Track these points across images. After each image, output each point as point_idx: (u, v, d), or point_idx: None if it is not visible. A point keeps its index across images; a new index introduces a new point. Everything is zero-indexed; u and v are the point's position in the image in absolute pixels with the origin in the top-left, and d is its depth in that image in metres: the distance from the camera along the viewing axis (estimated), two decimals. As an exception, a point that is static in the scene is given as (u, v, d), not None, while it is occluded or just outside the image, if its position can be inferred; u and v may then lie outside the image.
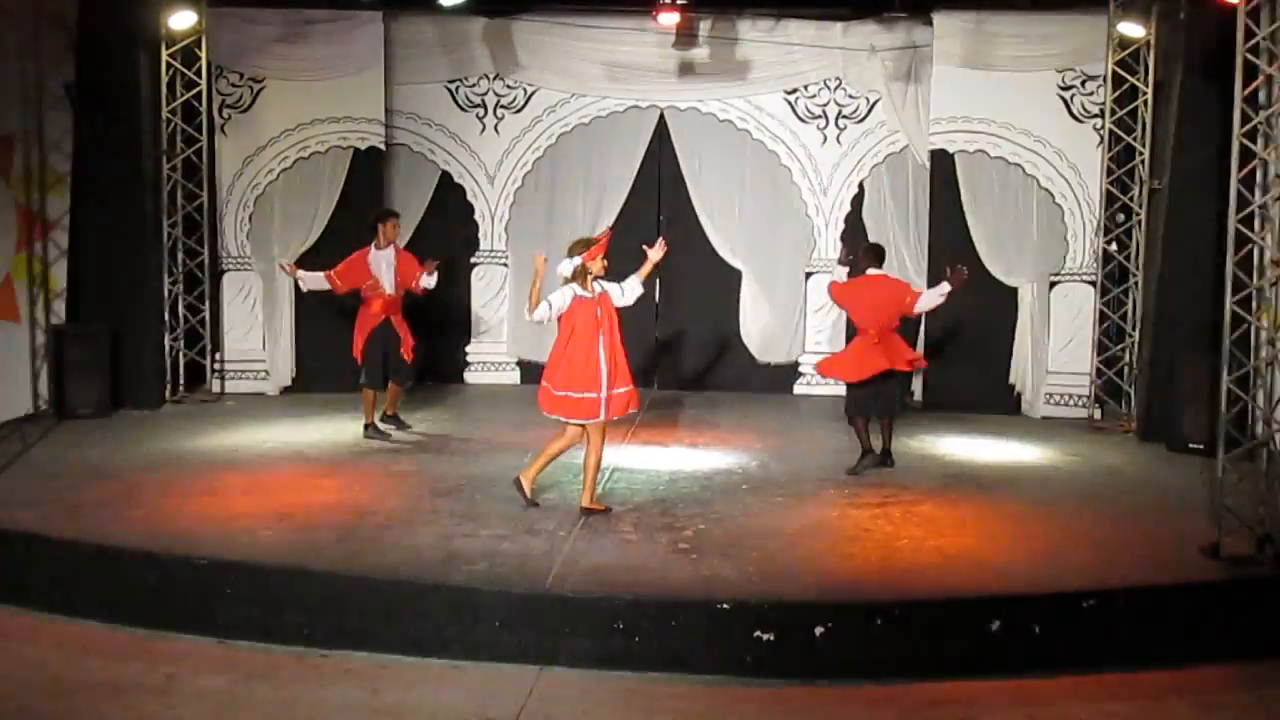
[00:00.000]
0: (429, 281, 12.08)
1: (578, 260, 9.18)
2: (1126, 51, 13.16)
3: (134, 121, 13.20)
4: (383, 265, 11.97)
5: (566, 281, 9.25)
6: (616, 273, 9.49)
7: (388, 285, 11.96)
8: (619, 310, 9.39)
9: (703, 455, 11.66)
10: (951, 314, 13.76)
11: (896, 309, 10.88)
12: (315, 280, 12.23)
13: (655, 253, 9.48)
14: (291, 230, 14.14)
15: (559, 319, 9.26)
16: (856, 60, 14.41)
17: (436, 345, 15.18)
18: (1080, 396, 13.80)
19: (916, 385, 14.42)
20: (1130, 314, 13.52)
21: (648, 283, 9.66)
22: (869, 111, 14.73)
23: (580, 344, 9.20)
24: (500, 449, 11.42)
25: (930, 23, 13.75)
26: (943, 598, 7.78)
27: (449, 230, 15.13)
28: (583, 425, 9.32)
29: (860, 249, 11.62)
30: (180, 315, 14.07)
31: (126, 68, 13.15)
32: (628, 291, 9.46)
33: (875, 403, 11.07)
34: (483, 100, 15.16)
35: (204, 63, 13.77)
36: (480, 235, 15.33)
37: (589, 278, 9.22)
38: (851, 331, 11.92)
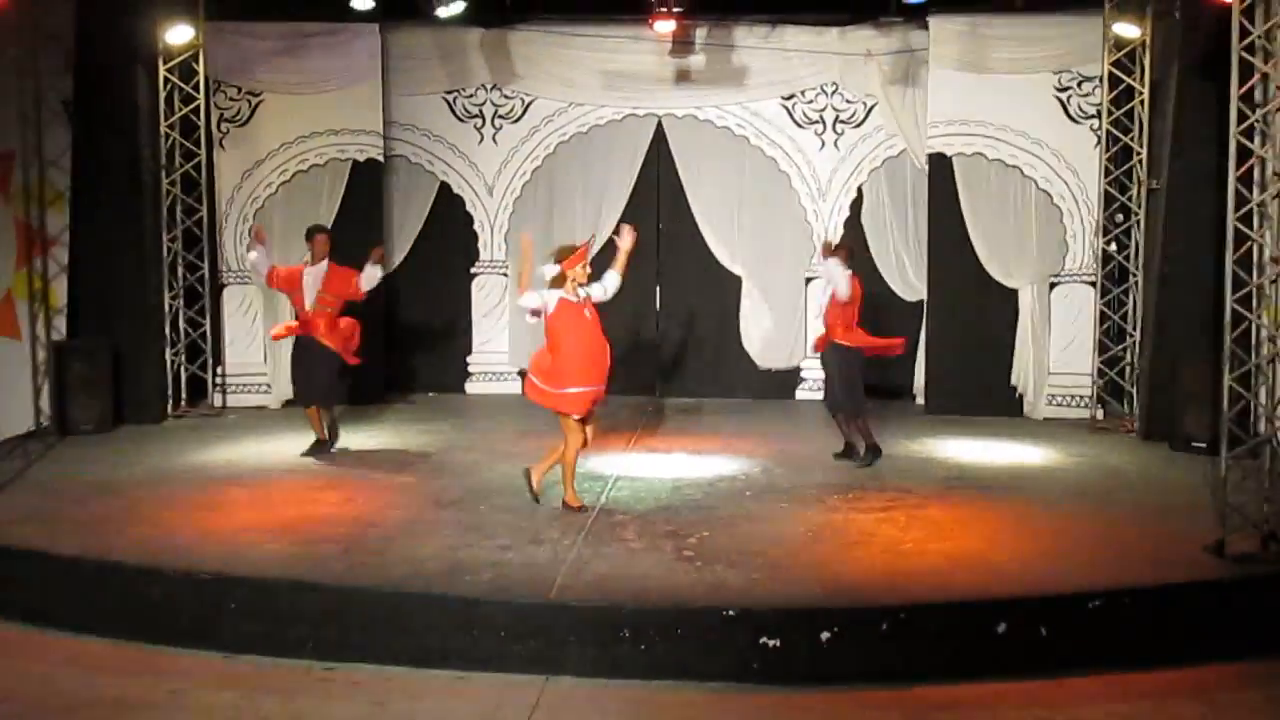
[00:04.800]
0: (373, 272, 11.69)
1: (557, 267, 9.34)
2: (1122, 52, 13.18)
3: (132, 137, 13.21)
4: (308, 281, 11.73)
5: (550, 286, 9.38)
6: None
7: (306, 301, 11.72)
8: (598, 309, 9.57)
9: (706, 462, 11.63)
10: (953, 316, 13.83)
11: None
12: (261, 260, 11.94)
13: (625, 242, 9.60)
14: (291, 243, 14.08)
15: (546, 320, 9.39)
16: (853, 65, 14.40)
17: (437, 356, 15.28)
18: (1082, 397, 13.80)
19: (919, 388, 14.44)
20: (1131, 314, 13.53)
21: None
22: (866, 116, 14.72)
23: (579, 342, 9.34)
24: (503, 459, 11.35)
25: (926, 26, 13.73)
26: (948, 601, 7.76)
27: (448, 241, 15.19)
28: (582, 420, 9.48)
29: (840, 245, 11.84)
30: (181, 330, 14.06)
31: (124, 83, 13.16)
32: (608, 287, 9.58)
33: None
34: (480, 111, 15.17)
35: (202, 77, 13.78)
36: (480, 245, 15.33)
37: (574, 284, 9.36)
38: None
